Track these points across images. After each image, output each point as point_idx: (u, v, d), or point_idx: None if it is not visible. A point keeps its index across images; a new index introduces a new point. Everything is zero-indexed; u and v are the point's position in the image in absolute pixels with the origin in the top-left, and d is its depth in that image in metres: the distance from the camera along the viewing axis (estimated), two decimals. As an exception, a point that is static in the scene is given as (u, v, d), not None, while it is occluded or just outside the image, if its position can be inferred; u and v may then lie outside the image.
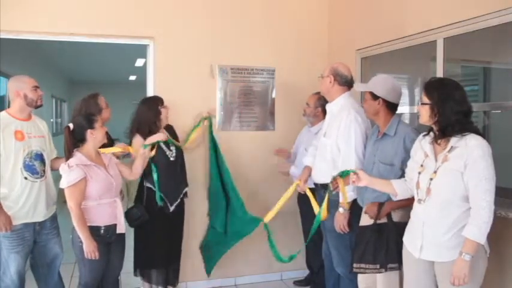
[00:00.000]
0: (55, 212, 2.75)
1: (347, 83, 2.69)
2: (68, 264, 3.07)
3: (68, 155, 2.46)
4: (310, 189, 2.83)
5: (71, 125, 2.49)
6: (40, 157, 2.62)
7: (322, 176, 2.68)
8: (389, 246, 2.25)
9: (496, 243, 2.19)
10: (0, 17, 3.04)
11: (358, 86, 2.72)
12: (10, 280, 2.53)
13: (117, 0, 3.40)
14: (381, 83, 2.41)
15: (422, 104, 1.96)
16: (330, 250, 2.80)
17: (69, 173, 2.36)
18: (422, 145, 2.05)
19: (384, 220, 2.31)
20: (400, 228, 2.21)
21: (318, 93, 3.26)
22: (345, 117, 2.57)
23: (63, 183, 2.38)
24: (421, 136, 2.10)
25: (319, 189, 2.78)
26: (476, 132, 1.89)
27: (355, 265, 2.35)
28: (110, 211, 2.50)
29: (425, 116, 1.96)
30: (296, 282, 3.77)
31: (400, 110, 2.55)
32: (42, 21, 3.24)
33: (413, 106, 3.24)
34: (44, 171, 2.63)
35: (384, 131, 2.39)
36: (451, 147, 1.90)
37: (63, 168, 2.39)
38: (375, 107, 2.39)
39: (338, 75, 2.68)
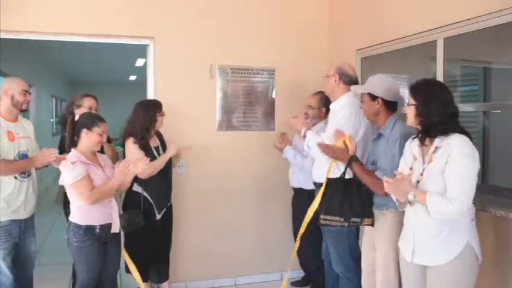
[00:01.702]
0: (34, 212, 2.80)
1: (351, 83, 2.69)
2: (68, 264, 3.06)
3: (69, 142, 2.51)
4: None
5: (77, 116, 2.56)
6: (26, 157, 2.69)
7: (322, 175, 2.66)
8: (353, 199, 2.32)
9: (496, 244, 2.19)
10: (0, 17, 3.04)
11: (355, 88, 2.71)
12: (5, 276, 2.58)
13: (117, 0, 3.40)
14: (377, 83, 2.40)
15: (409, 105, 1.98)
16: (329, 250, 2.80)
17: (74, 169, 2.37)
18: (412, 148, 2.05)
19: (350, 176, 2.38)
20: (362, 185, 2.30)
21: (319, 93, 3.25)
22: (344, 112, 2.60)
23: (67, 180, 2.37)
24: (410, 139, 2.10)
25: (318, 189, 2.75)
26: (462, 132, 1.89)
27: (322, 217, 2.42)
28: (105, 210, 2.51)
29: (411, 117, 1.98)
30: (294, 283, 3.72)
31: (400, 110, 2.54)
32: (42, 21, 3.23)
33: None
34: (30, 170, 2.71)
35: (379, 131, 2.38)
36: (435, 147, 1.90)
37: (65, 165, 2.39)
38: (375, 108, 2.37)
39: (343, 74, 2.69)
